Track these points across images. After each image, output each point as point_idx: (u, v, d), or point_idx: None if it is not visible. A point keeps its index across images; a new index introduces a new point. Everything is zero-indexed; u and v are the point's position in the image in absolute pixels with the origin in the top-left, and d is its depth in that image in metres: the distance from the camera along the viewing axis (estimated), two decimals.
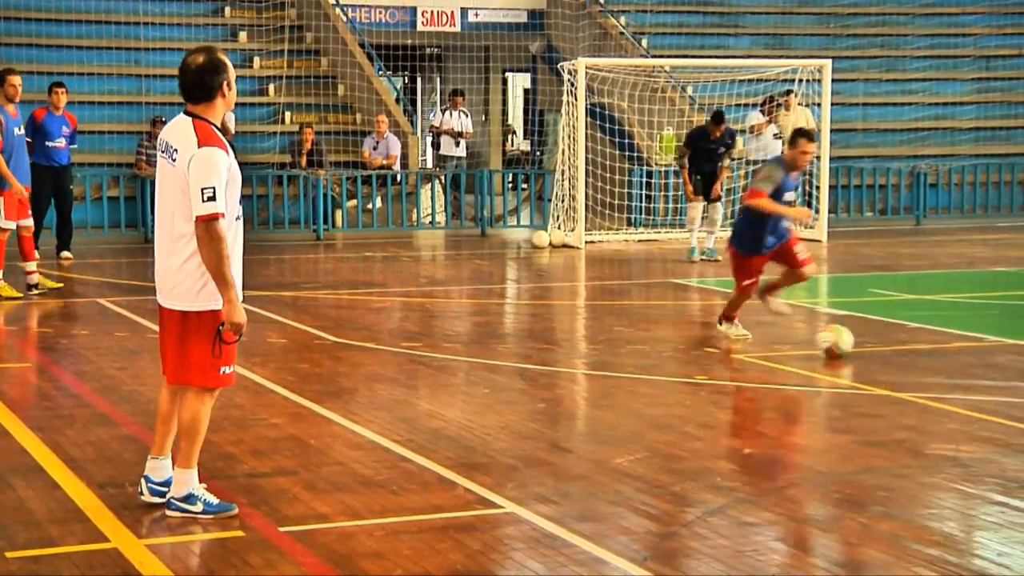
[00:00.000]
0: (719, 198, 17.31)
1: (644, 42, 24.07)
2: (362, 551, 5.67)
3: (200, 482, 6.17)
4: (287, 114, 22.05)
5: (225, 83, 6.06)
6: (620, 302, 14.14)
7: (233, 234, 6.01)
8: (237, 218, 6.10)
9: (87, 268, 16.21)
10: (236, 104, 21.72)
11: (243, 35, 23.30)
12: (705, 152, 16.92)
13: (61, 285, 13.91)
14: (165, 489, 6.19)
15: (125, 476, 6.82)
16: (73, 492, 6.55)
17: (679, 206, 20.96)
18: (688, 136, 17.43)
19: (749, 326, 10.99)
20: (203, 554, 5.69)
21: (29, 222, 13.62)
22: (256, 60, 22.99)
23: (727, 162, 17.49)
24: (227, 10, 23.78)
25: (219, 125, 6.07)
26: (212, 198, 5.79)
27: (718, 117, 17.00)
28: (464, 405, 8.71)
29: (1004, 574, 5.44)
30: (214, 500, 6.10)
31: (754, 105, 20.89)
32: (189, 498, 6.07)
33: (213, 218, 5.80)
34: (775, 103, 20.36)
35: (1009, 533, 5.98)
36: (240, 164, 18.55)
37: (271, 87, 22.54)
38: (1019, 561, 5.60)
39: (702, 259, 16.96)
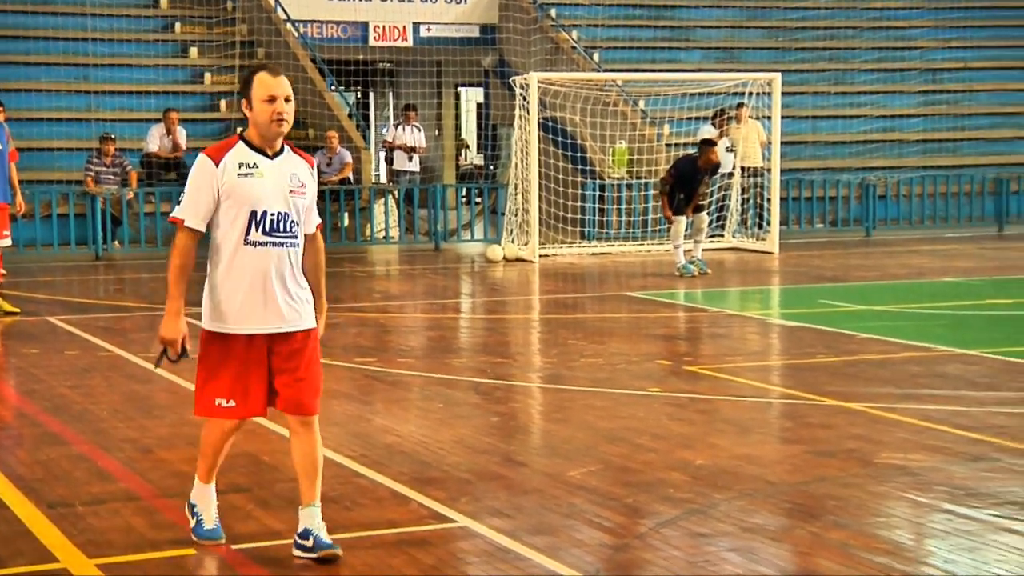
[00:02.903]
0: (703, 208, 17.23)
1: (596, 56, 24.18)
2: (316, 568, 5.66)
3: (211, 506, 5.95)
4: (239, 129, 21.91)
5: (244, 100, 5.60)
6: (574, 315, 14.17)
7: (237, 256, 5.56)
8: (254, 244, 5.56)
9: (37, 286, 16.07)
10: (187, 120, 21.91)
11: (194, 51, 23.21)
12: (690, 183, 16.65)
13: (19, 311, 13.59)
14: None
15: (75, 496, 6.78)
16: (22, 512, 6.49)
17: (632, 219, 21.08)
18: (675, 166, 17.01)
19: (706, 339, 11.03)
20: (155, 573, 5.65)
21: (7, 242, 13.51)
22: (207, 76, 22.92)
23: (705, 189, 17.36)
24: (177, 26, 23.69)
25: (255, 143, 5.59)
26: (179, 202, 5.60)
27: (710, 143, 16.97)
28: (418, 420, 8.71)
29: None
30: (207, 525, 5.88)
31: (705, 119, 21.03)
32: (192, 507, 5.97)
33: (173, 222, 5.61)
34: (726, 116, 20.49)
35: (956, 541, 6.04)
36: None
37: (223, 103, 22.46)
38: (965, 568, 5.67)
39: (694, 273, 16.62)
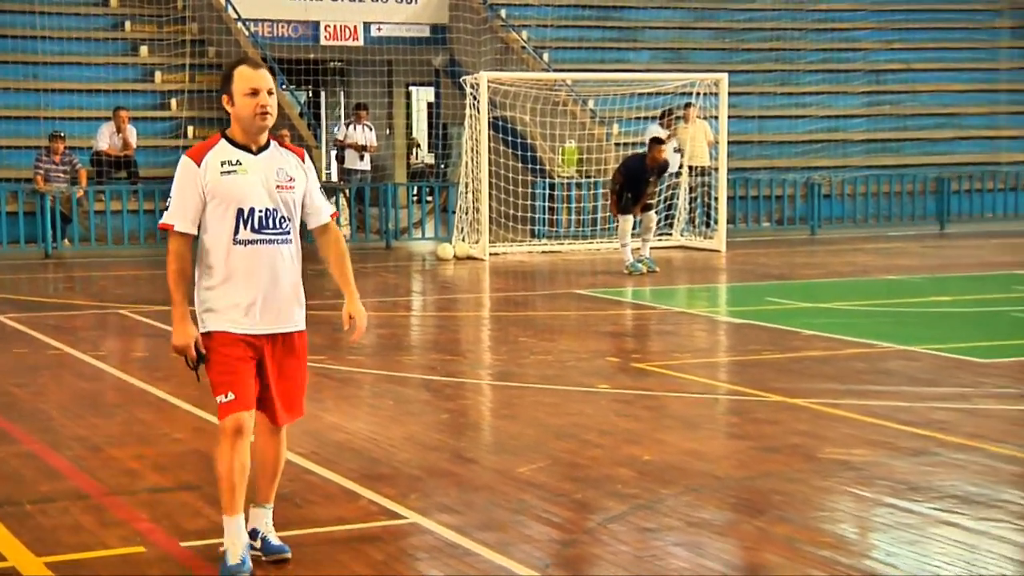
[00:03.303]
0: (652, 207, 17.26)
1: (545, 56, 24.20)
2: (264, 566, 5.63)
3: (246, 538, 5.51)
4: (190, 128, 21.84)
5: (225, 96, 5.38)
6: (524, 313, 14.18)
7: (229, 257, 5.34)
8: (244, 243, 5.34)
9: None
10: (137, 118, 21.73)
11: (144, 49, 23.04)
12: (639, 183, 16.67)
13: None
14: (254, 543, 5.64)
15: (24, 495, 6.71)
16: None
17: (582, 218, 21.12)
18: (624, 165, 17.02)
19: (654, 337, 11.06)
20: (103, 571, 5.60)
21: None
22: (158, 74, 22.76)
23: (654, 188, 17.33)
24: (127, 24, 23.51)
25: (238, 139, 5.39)
26: (166, 208, 5.38)
27: (659, 141, 16.99)
28: (369, 417, 8.68)
29: (892, 574, 5.54)
30: (230, 561, 5.39)
31: (653, 118, 21.11)
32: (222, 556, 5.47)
33: (163, 229, 5.38)
34: (673, 116, 20.58)
35: (898, 534, 6.09)
36: (142, 178, 18.24)
37: (173, 101, 22.32)
38: (907, 561, 5.72)
39: (643, 271, 16.64)
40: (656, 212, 18.03)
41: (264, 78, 5.36)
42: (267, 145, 5.47)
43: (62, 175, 19.63)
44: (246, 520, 5.54)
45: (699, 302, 15.17)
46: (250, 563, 5.40)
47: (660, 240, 19.65)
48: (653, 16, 27.15)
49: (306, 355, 5.62)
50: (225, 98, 5.39)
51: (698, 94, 21.03)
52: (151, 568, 5.60)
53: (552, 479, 6.99)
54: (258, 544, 5.56)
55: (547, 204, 21.20)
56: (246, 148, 5.41)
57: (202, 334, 5.40)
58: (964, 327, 12.49)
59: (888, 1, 28.79)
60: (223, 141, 5.42)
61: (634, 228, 17.24)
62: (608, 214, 20.73)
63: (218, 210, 5.33)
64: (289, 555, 5.56)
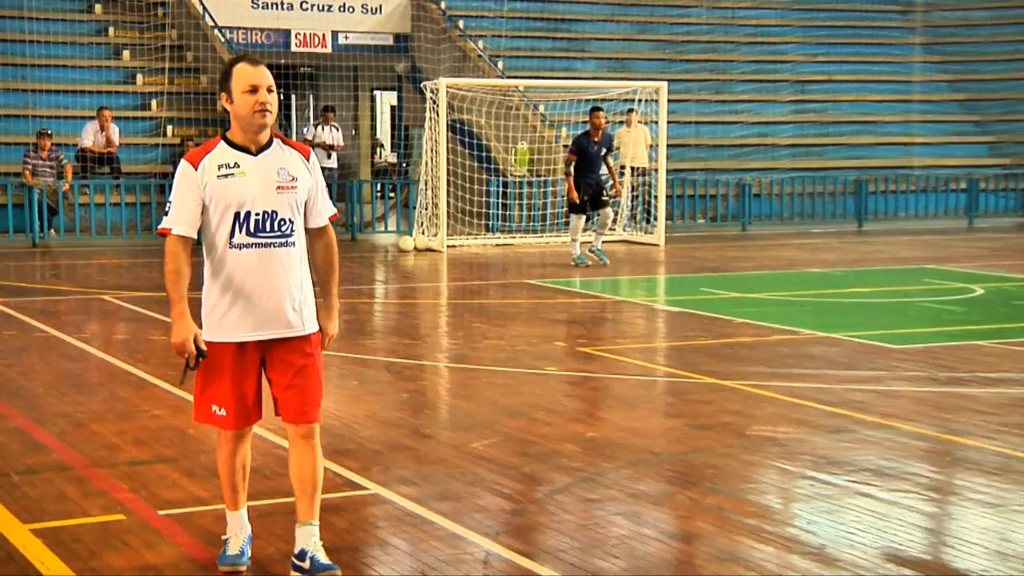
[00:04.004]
0: (607, 203, 17.25)
1: (500, 64, 24.17)
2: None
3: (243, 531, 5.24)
4: (169, 128, 21.65)
5: (224, 95, 4.90)
6: (479, 301, 14.17)
7: (222, 261, 4.91)
8: (239, 246, 4.88)
9: None
10: (120, 118, 21.54)
11: (126, 54, 22.82)
12: (590, 157, 16.63)
13: None
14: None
15: (10, 466, 6.65)
16: None
17: (533, 213, 21.12)
18: (574, 142, 16.97)
19: (599, 323, 11.06)
20: (85, 537, 5.56)
21: None
22: (139, 77, 22.54)
23: (611, 161, 17.20)
24: (111, 30, 23.27)
25: (237, 141, 4.92)
26: (166, 212, 4.93)
27: (596, 108, 17.02)
28: (334, 396, 8.64)
29: (812, 540, 5.59)
30: (230, 551, 5.16)
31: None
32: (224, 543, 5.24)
33: (162, 233, 4.93)
34: (616, 121, 20.61)
35: (818, 504, 6.14)
36: (124, 173, 18.08)
37: (153, 102, 22.11)
38: (825, 529, 5.77)
39: (588, 263, 16.60)
40: (612, 208, 18.01)
41: (264, 75, 4.87)
42: (269, 144, 4.94)
43: (49, 170, 19.44)
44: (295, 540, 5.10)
45: (639, 292, 15.21)
46: (249, 555, 5.17)
47: (607, 236, 19.67)
48: (599, 29, 27.17)
49: (317, 359, 5.04)
50: (224, 96, 4.91)
51: (639, 101, 21.07)
52: (131, 535, 5.56)
53: (503, 454, 7.00)
54: (307, 565, 4.97)
55: (501, 201, 21.18)
56: (245, 149, 4.90)
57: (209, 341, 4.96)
58: (879, 316, 12.60)
59: (813, 18, 28.98)
60: (222, 143, 4.92)
61: (591, 222, 17.33)
62: (557, 210, 20.82)
63: (216, 214, 4.86)
64: (339, 573, 4.96)
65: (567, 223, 17.59)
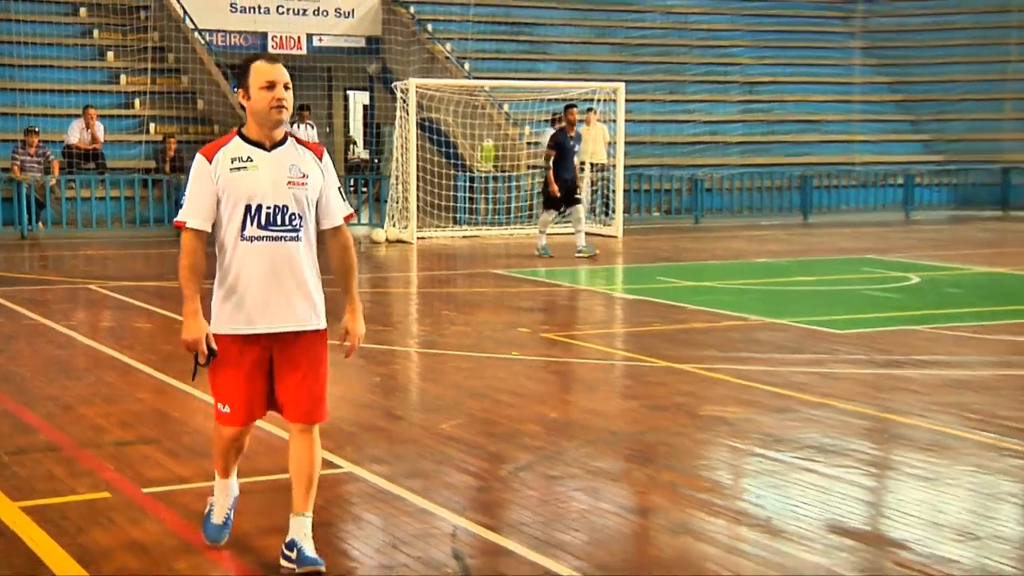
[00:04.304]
0: (579, 200, 17.19)
1: (467, 65, 24.12)
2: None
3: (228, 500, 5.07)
4: (151, 125, 21.50)
5: (241, 91, 4.70)
6: (446, 290, 14.15)
7: (235, 253, 4.67)
8: (250, 239, 4.66)
9: None
10: (104, 116, 21.36)
11: (111, 55, 22.63)
12: (568, 152, 16.65)
13: None
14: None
15: (1, 447, 6.59)
16: None
17: (498, 207, 21.11)
18: (552, 138, 16.94)
19: (560, 311, 11.05)
20: (74, 514, 5.51)
21: None
22: (123, 77, 22.35)
23: (575, 158, 17.21)
24: (95, 32, 23.06)
25: (252, 136, 4.70)
26: (180, 205, 4.73)
27: (571, 105, 17.10)
28: None
29: (760, 513, 5.61)
30: (214, 519, 5.02)
31: (547, 121, 21.22)
32: (209, 507, 5.11)
33: (177, 226, 4.71)
34: (561, 117, 20.63)
35: (766, 479, 6.17)
36: (109, 169, 17.90)
37: (136, 101, 21.93)
38: (772, 502, 5.80)
39: (551, 255, 16.55)
40: (583, 204, 17.99)
41: (281, 72, 4.66)
42: (283, 142, 4.73)
43: (37, 165, 19.26)
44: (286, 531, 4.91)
45: (599, 281, 15.22)
46: (231, 524, 5.02)
47: (564, 227, 19.70)
48: (560, 32, 27.16)
49: (324, 355, 4.87)
50: (240, 92, 4.70)
51: (598, 100, 21.08)
52: (116, 512, 5.52)
53: (470, 434, 6.99)
54: (294, 555, 4.79)
55: (467, 195, 21.15)
56: (260, 145, 4.68)
57: (217, 334, 4.72)
58: (822, 303, 12.66)
59: (761, 23, 29.09)
60: (237, 138, 4.72)
61: (565, 218, 17.35)
62: (521, 204, 20.82)
63: (228, 206, 4.64)
64: (323, 567, 4.76)
65: (531, 216, 17.58)
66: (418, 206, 19.61)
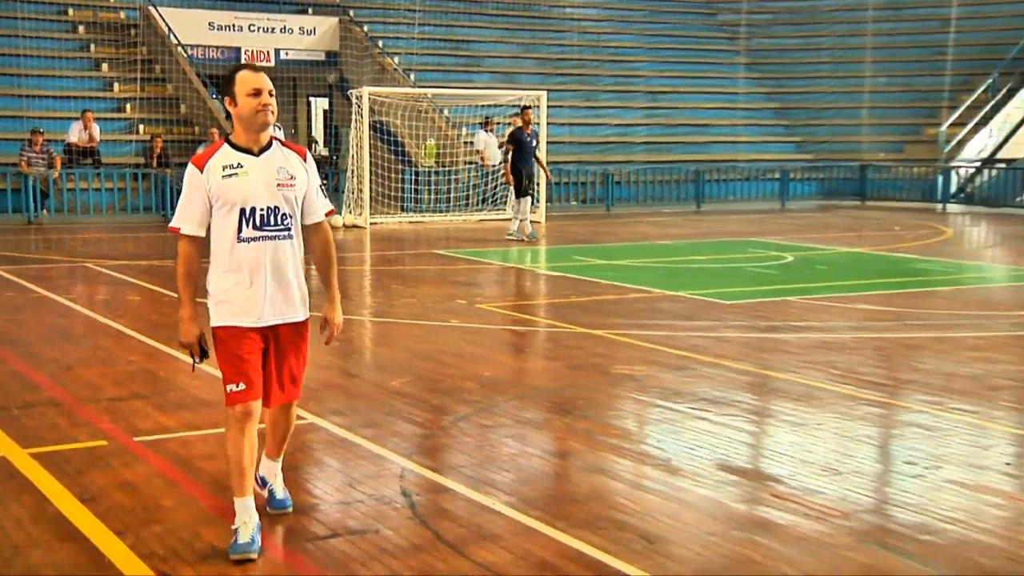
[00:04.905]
0: (529, 193, 17.02)
1: (412, 76, 23.93)
2: (199, 454, 5.50)
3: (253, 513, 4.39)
4: (141, 127, 21.11)
5: (227, 99, 4.38)
6: (396, 267, 14.06)
7: (233, 253, 4.33)
8: (247, 240, 4.32)
9: None
10: (100, 119, 20.94)
11: (105, 66, 22.16)
12: (526, 147, 16.59)
13: None
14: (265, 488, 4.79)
15: (11, 401, 6.46)
16: None
17: (439, 197, 20.99)
18: (511, 136, 16.93)
19: (492, 285, 11.00)
20: (75, 459, 5.41)
21: None
22: (116, 85, 21.90)
23: (540, 154, 17.12)
24: (92, 47, 22.59)
25: (240, 143, 4.38)
26: (174, 212, 4.40)
27: (527, 107, 17.09)
28: None
29: (661, 455, 5.66)
30: (240, 539, 4.28)
31: (479, 124, 21.14)
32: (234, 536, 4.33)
33: (172, 231, 4.38)
34: (492, 120, 20.75)
35: (666, 427, 6.22)
36: (104, 165, 17.55)
37: (128, 106, 21.51)
38: (671, 446, 5.84)
39: (538, 237, 16.49)
40: (531, 197, 17.88)
41: (264, 80, 4.38)
42: (269, 145, 4.40)
43: (41, 161, 18.88)
44: (256, 467, 4.62)
45: (525, 260, 15.21)
46: (259, 543, 4.31)
47: (497, 214, 19.68)
48: (492, 48, 27.04)
49: (307, 342, 4.56)
50: (227, 100, 4.37)
51: (526, 106, 20.99)
52: (112, 457, 5.43)
53: (416, 390, 6.96)
54: (265, 493, 4.68)
55: (413, 186, 21.01)
56: (248, 151, 4.35)
57: (213, 327, 4.39)
58: (714, 278, 12.77)
59: (661, 42, 29.19)
60: (225, 146, 4.37)
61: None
62: (459, 194, 20.74)
63: (223, 211, 4.30)
64: (290, 510, 4.68)
65: (467, 205, 17.51)
66: (371, 196, 19.45)
